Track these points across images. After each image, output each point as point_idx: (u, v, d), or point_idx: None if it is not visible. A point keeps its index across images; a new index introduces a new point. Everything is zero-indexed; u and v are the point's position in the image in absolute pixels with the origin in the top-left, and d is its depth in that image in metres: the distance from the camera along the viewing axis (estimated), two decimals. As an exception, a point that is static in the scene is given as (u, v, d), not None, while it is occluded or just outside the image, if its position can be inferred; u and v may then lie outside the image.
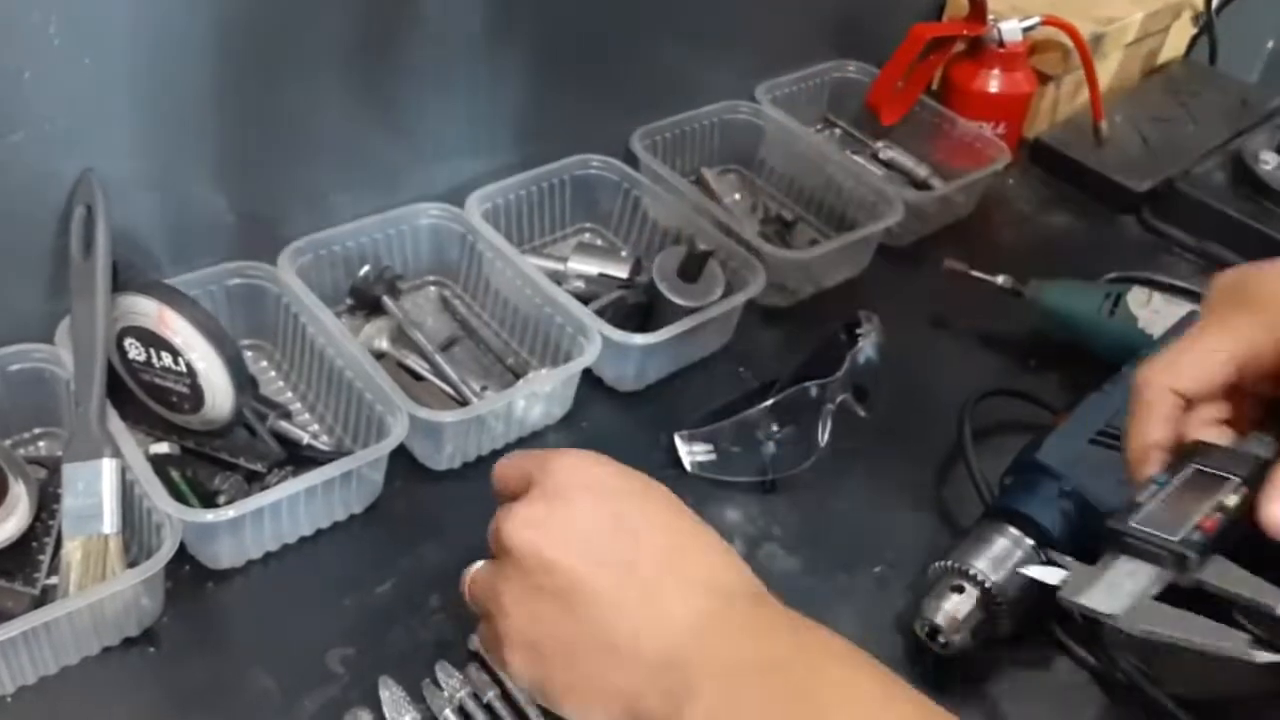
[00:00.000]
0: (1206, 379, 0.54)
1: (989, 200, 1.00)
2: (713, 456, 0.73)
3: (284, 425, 0.71)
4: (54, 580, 0.61)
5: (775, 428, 0.72)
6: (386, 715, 0.58)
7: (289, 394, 0.76)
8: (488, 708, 0.59)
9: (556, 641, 0.49)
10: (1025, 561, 0.62)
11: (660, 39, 0.92)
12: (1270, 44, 1.53)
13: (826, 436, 0.72)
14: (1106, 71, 1.08)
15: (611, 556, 0.49)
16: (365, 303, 0.80)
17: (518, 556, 0.50)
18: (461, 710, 0.59)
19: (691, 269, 0.78)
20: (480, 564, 0.54)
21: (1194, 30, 1.19)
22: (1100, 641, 0.64)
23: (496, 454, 0.74)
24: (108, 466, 0.61)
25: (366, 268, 0.80)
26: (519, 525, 0.50)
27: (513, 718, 0.59)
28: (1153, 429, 0.55)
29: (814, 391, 0.72)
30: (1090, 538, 0.63)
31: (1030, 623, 0.64)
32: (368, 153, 0.80)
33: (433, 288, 0.86)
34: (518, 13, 0.81)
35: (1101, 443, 0.66)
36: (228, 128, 0.71)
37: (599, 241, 0.92)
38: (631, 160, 0.90)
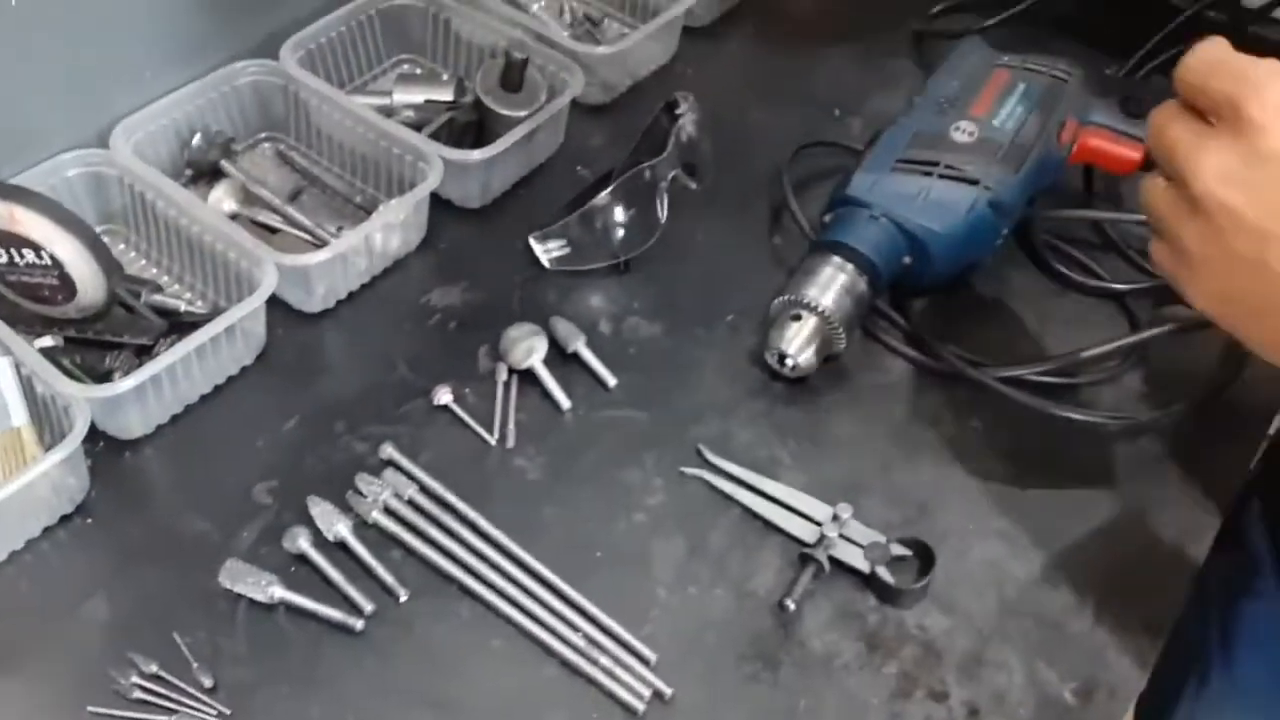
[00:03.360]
0: None
1: (778, -33, 1.05)
2: (567, 250, 0.79)
3: (158, 298, 0.74)
4: (-24, 480, 0.64)
5: (619, 213, 0.78)
6: (320, 528, 0.64)
7: (154, 270, 0.78)
8: (410, 502, 0.66)
9: (1250, 305, 0.47)
10: (850, 284, 0.70)
11: None
12: None
13: (665, 212, 0.79)
14: None
15: None
16: (204, 170, 0.82)
17: (1212, 213, 0.46)
18: (386, 509, 0.65)
19: (512, 79, 0.82)
20: (1158, 183, 0.50)
21: None
22: (922, 339, 0.74)
23: (366, 289, 0.79)
24: (2, 365, 0.64)
25: (198, 135, 0.81)
26: (1216, 180, 0.46)
27: (434, 506, 0.66)
28: None
29: (647, 174, 0.78)
30: (903, 253, 0.73)
31: (860, 334, 0.73)
32: (173, 19, 0.80)
33: (267, 144, 0.87)
34: None
35: (902, 169, 0.74)
36: (36, 17, 0.71)
37: (419, 70, 0.94)
38: (433, -16, 0.92)
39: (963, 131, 0.75)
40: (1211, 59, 0.48)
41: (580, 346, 0.74)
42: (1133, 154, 0.78)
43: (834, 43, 0.99)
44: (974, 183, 0.72)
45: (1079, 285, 0.80)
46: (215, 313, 0.72)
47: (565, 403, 0.72)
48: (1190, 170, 0.47)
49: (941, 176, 0.73)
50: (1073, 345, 0.73)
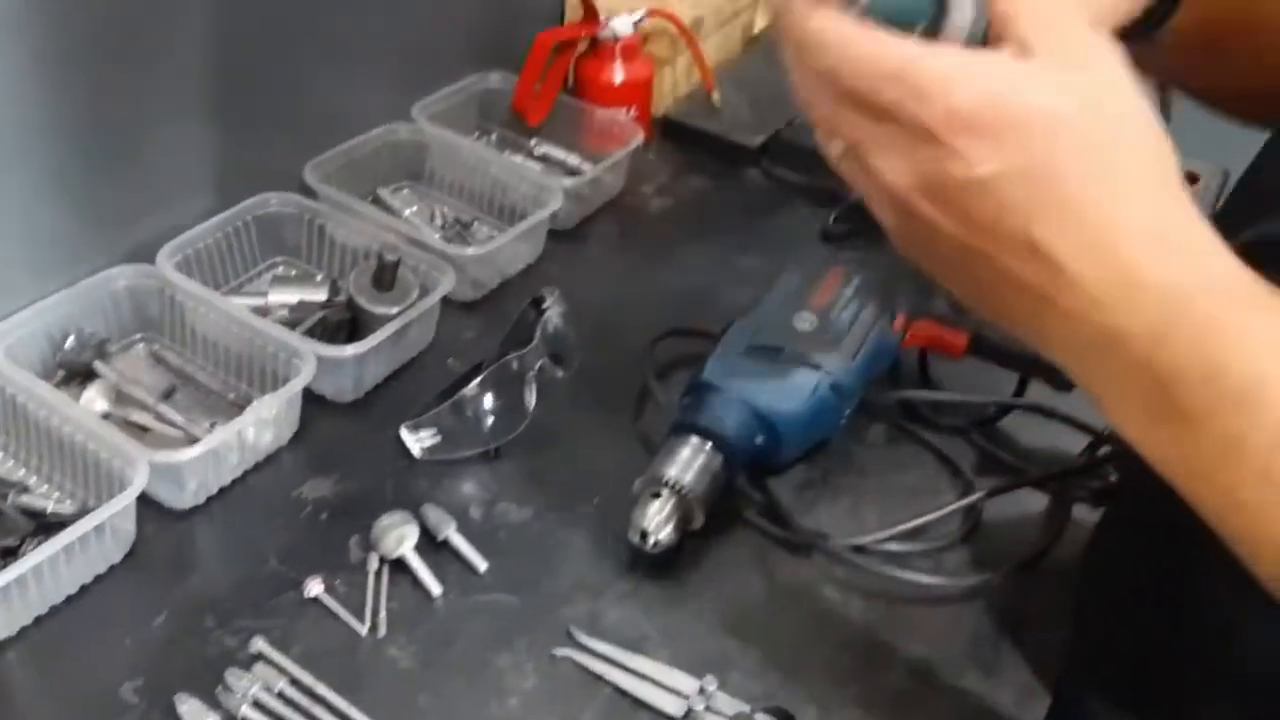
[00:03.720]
0: None
1: (634, 175, 1.13)
2: (438, 439, 0.82)
3: (25, 499, 0.74)
4: None
5: (488, 402, 0.82)
6: (188, 726, 0.64)
7: (23, 471, 0.78)
8: (281, 695, 0.66)
9: (944, 274, 0.47)
10: (707, 463, 0.75)
11: (314, 75, 0.98)
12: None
13: (534, 400, 0.83)
14: (711, 48, 1.25)
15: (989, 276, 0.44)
16: (77, 372, 0.83)
17: (910, 213, 0.44)
18: (256, 704, 0.65)
19: (385, 279, 0.86)
20: (838, 148, 0.46)
21: (779, 0, 1.38)
22: (777, 513, 0.79)
23: (238, 483, 0.80)
24: None
25: (71, 338, 0.83)
26: (914, 191, 0.44)
27: (305, 699, 0.66)
28: None
29: (515, 364, 0.82)
30: (755, 433, 0.78)
31: (718, 510, 0.77)
32: (50, 229, 0.83)
33: (141, 345, 0.89)
34: (168, 67, 0.86)
35: (751, 355, 0.80)
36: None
37: (293, 272, 0.98)
38: (309, 192, 0.97)
39: (805, 321, 0.82)
40: (867, 58, 0.43)
41: (451, 533, 0.76)
42: (960, 341, 0.86)
43: (689, 242, 1.07)
44: (816, 368, 0.79)
45: (919, 457, 0.86)
46: (84, 512, 0.72)
47: (436, 590, 0.73)
48: (884, 181, 0.44)
49: (786, 362, 0.79)
50: (915, 513, 0.78)
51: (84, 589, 0.71)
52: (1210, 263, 0.43)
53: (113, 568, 0.73)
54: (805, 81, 0.46)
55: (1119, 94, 0.43)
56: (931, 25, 0.46)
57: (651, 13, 1.14)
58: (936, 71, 0.42)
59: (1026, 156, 0.42)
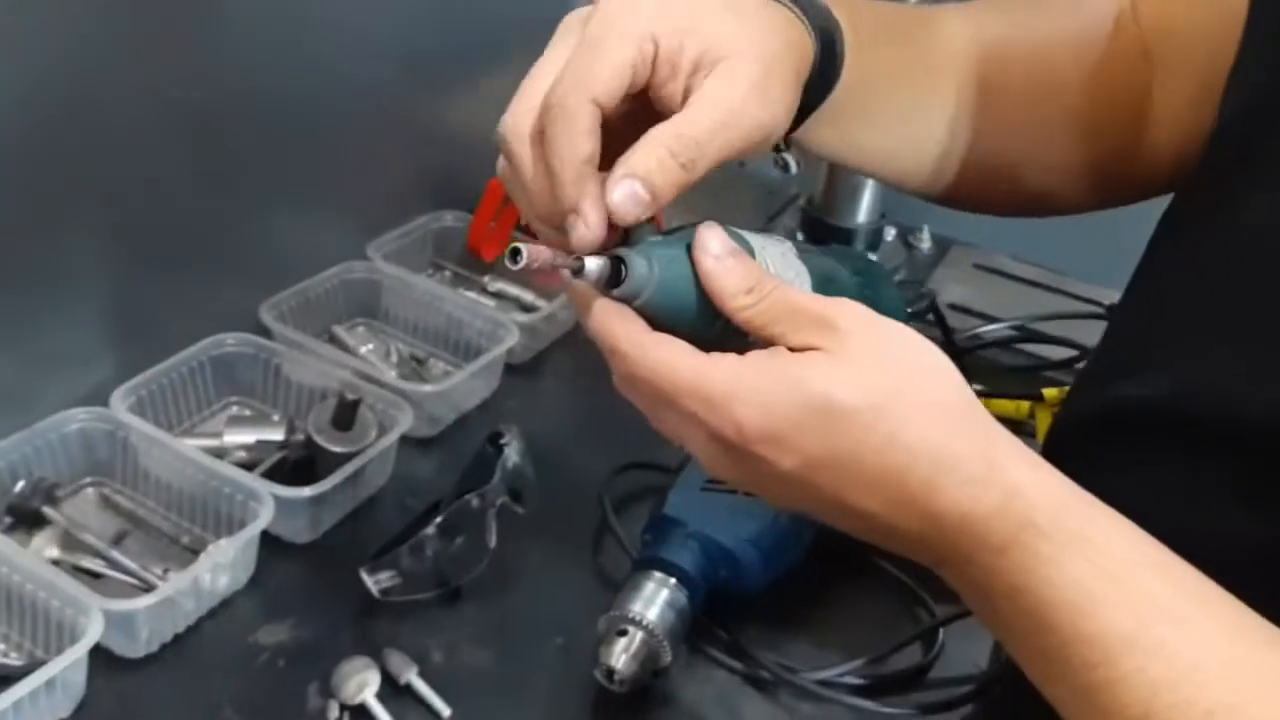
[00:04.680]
0: (618, 85, 0.49)
1: (588, 309, 1.15)
2: (397, 580, 0.81)
3: (-31, 653, 0.71)
4: None
5: (447, 540, 0.82)
6: None
7: (-35, 623, 0.76)
8: None
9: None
10: (672, 599, 0.75)
11: (270, 217, 1.00)
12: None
13: (494, 538, 0.83)
14: (659, 186, 1.29)
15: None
16: (25, 518, 0.82)
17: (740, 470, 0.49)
18: None
19: (344, 418, 0.87)
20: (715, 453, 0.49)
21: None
22: (742, 648, 0.79)
23: (191, 630, 0.78)
24: None
25: (20, 483, 0.82)
26: (727, 458, 0.48)
27: None
28: (583, 143, 0.48)
29: (474, 502, 0.82)
30: (718, 567, 0.78)
31: (685, 646, 0.77)
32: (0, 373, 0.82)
33: (91, 489, 0.88)
34: (120, 211, 0.86)
35: (710, 489, 0.81)
36: None
37: (248, 412, 0.97)
38: (264, 331, 0.98)
39: (762, 452, 0.83)
40: (664, 368, 0.48)
41: (413, 677, 0.75)
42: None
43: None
44: (776, 499, 0.79)
45: (882, 585, 0.87)
46: (34, 664, 0.70)
47: (400, 736, 0.72)
48: (706, 465, 0.50)
49: (745, 494, 0.80)
50: (879, 642, 0.79)
51: (29, 747, 0.69)
52: (991, 494, 0.46)
53: (60, 723, 0.70)
54: (618, 379, 0.51)
55: (891, 368, 0.47)
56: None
57: (601, 154, 1.18)
58: (721, 385, 0.47)
59: (819, 447, 0.46)
